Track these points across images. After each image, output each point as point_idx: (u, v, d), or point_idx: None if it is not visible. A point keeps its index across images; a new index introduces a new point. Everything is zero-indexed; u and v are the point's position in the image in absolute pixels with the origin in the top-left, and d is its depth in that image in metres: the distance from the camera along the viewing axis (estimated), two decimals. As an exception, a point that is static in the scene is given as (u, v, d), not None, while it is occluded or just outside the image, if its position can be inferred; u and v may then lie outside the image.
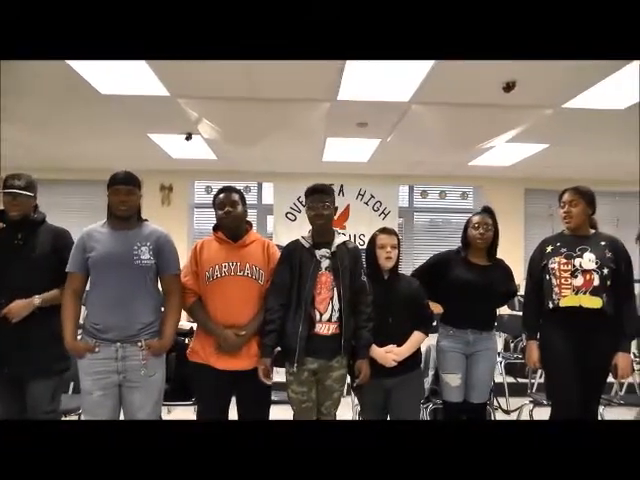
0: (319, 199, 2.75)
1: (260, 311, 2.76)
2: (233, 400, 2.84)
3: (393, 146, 6.16)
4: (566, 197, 2.99)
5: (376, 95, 4.40)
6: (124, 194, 2.63)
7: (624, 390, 4.81)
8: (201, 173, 8.03)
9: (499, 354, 5.56)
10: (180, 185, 8.07)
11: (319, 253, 2.75)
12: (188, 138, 5.81)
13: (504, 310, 6.53)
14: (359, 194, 8.07)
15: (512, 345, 6.13)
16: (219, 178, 7.49)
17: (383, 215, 8.06)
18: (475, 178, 8.15)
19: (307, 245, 2.78)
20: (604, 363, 2.86)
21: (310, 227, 2.83)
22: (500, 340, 6.10)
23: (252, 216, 8.32)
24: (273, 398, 2.88)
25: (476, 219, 3.13)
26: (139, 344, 2.60)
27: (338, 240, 2.81)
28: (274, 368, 2.77)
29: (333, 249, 2.77)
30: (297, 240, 2.83)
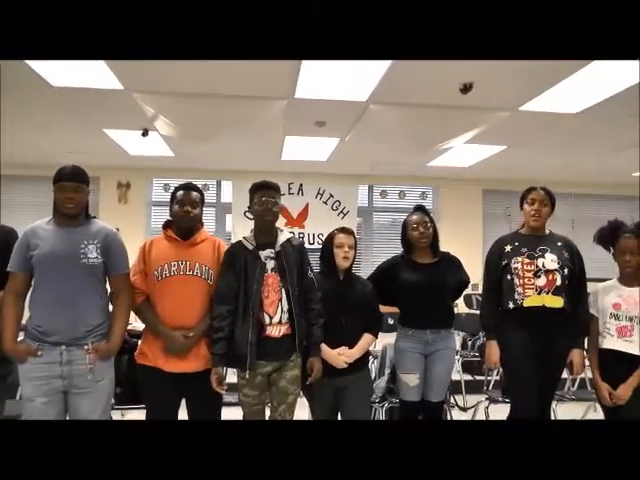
0: (268, 195, 2.70)
1: (209, 312, 2.69)
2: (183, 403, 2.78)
3: (352, 145, 6.16)
4: (537, 196, 3.01)
5: (334, 94, 4.37)
6: (71, 191, 2.51)
7: (576, 386, 4.93)
8: (159, 171, 7.87)
9: (457, 352, 5.63)
10: (138, 183, 7.89)
11: (264, 254, 2.70)
12: (144, 134, 5.69)
13: (462, 309, 6.63)
14: (318, 193, 8.05)
15: (470, 343, 6.21)
16: (178, 176, 7.34)
17: (342, 214, 8.05)
18: (434, 179, 8.23)
19: (250, 247, 2.71)
20: (562, 361, 2.92)
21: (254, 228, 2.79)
22: (458, 338, 6.17)
23: (210, 215, 8.24)
24: (224, 400, 2.82)
25: (414, 219, 3.14)
26: (85, 347, 2.48)
27: (282, 238, 2.77)
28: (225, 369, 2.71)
29: (277, 248, 2.72)
30: (239, 242, 2.77)
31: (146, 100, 4.67)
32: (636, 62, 3.59)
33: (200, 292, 2.69)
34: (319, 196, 8.07)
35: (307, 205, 8.01)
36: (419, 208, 3.22)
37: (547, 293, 2.87)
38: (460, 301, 6.57)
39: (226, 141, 6.09)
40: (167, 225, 2.80)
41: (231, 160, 7.20)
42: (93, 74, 4.00)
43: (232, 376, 2.85)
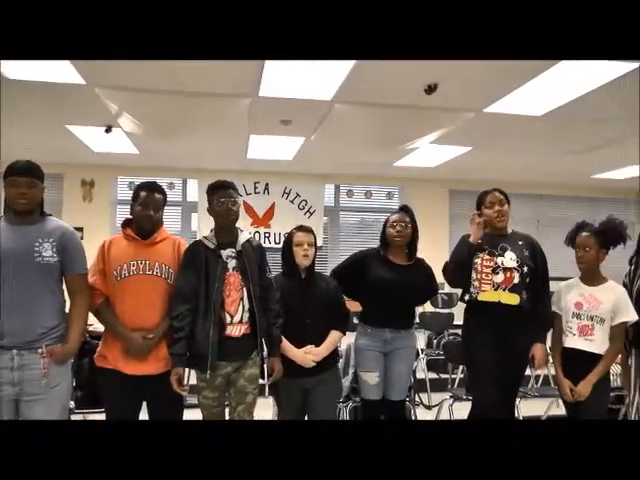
0: (228, 194, 2.67)
1: (169, 313, 2.64)
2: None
3: (318, 145, 6.15)
4: (494, 198, 3.06)
5: (299, 93, 4.35)
6: (24, 186, 2.39)
7: (540, 382, 5.02)
8: (124, 168, 7.73)
9: (422, 351, 5.67)
10: (102, 180, 7.75)
11: (225, 253, 2.67)
12: (108, 131, 5.58)
13: (428, 307, 6.67)
14: (284, 192, 8.02)
15: (435, 342, 6.26)
16: (143, 174, 7.19)
17: (309, 214, 8.03)
18: (401, 179, 8.28)
19: (212, 246, 2.68)
20: (522, 358, 2.95)
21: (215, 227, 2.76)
22: (423, 337, 6.22)
23: (176, 214, 8.14)
24: (187, 402, 2.77)
25: (394, 217, 3.15)
26: (39, 351, 2.37)
27: (242, 238, 2.74)
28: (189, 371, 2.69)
29: (238, 248, 2.69)
30: (199, 241, 2.73)
31: (109, 96, 4.58)
32: (597, 64, 3.67)
33: (160, 292, 2.64)
34: (285, 195, 8.04)
35: (273, 204, 7.98)
36: (403, 208, 3.24)
37: (504, 290, 2.90)
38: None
39: (192, 139, 6.03)
40: (126, 224, 2.74)
41: (197, 158, 7.12)
42: (53, 68, 3.87)
43: (193, 378, 2.81)
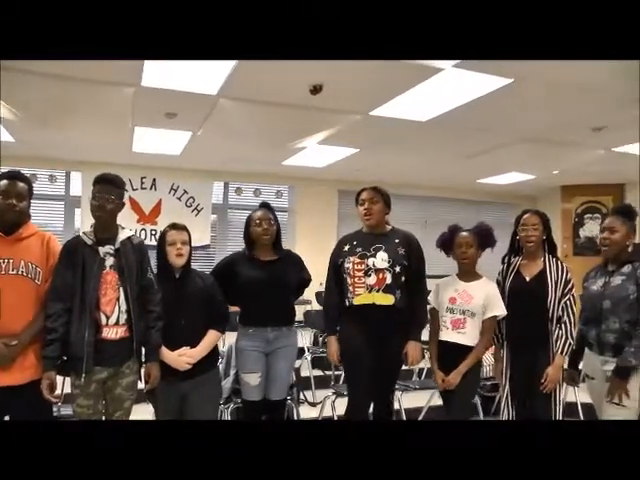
0: (105, 190, 2.54)
1: (38, 316, 2.46)
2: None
3: (205, 140, 6.04)
4: (366, 195, 3.07)
5: (183, 85, 4.22)
6: None
7: (424, 375, 5.21)
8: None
9: (308, 349, 5.72)
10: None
11: (103, 250, 2.53)
12: (-24, 116, 5.12)
13: (315, 305, 6.76)
14: (172, 189, 7.83)
15: (320, 339, 6.32)
16: (22, 164, 6.59)
17: (196, 211, 7.89)
18: (291, 178, 8.33)
19: (89, 242, 2.54)
20: (397, 356, 3.01)
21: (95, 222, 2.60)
22: (309, 335, 6.28)
23: (59, 209, 7.71)
24: (58, 414, 2.60)
25: (258, 215, 3.12)
26: None
27: (122, 235, 2.61)
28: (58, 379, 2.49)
29: (117, 245, 2.57)
30: (78, 236, 2.59)
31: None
32: (477, 76, 3.88)
33: (26, 294, 2.45)
34: (173, 192, 7.85)
35: (160, 201, 7.77)
36: (264, 205, 3.21)
37: (377, 291, 2.94)
38: (312, 298, 6.71)
39: (74, 129, 5.69)
40: None
41: (81, 150, 6.74)
42: None
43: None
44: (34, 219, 2.67)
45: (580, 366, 3.09)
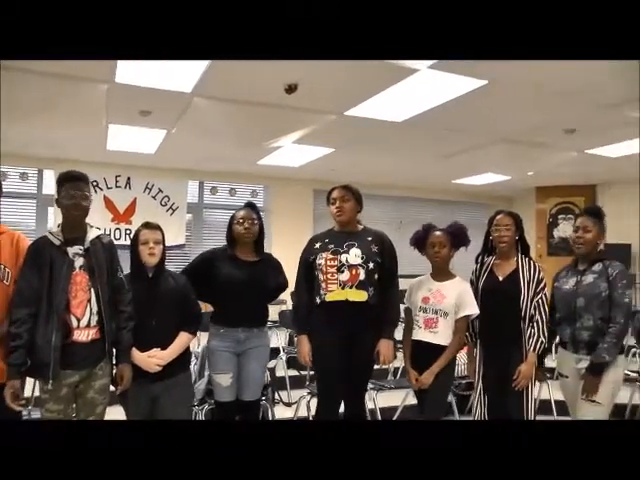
0: (78, 187, 2.46)
1: (5, 319, 2.38)
2: None
3: (180, 138, 6.00)
4: (337, 194, 3.06)
5: (157, 82, 4.18)
6: None
7: (399, 374, 5.21)
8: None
9: (283, 349, 5.69)
10: None
11: (72, 251, 2.45)
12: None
13: (289, 305, 6.71)
14: (147, 187, 7.75)
15: (295, 339, 6.29)
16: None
17: (171, 210, 7.82)
18: (266, 177, 8.31)
19: (57, 242, 2.45)
20: (369, 353, 2.99)
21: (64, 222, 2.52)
22: (284, 335, 6.25)
23: (30, 207, 7.56)
24: (28, 418, 2.53)
25: (241, 214, 3.12)
26: None
27: (92, 235, 2.54)
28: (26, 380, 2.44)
29: (87, 245, 2.49)
30: (44, 237, 2.49)
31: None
32: (451, 77, 3.91)
33: None
34: (147, 190, 7.77)
35: (135, 200, 7.68)
36: (249, 205, 3.20)
37: (350, 287, 2.92)
38: (287, 298, 6.66)
39: (47, 125, 5.59)
40: None
41: (54, 147, 6.62)
42: None
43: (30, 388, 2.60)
44: (4, 218, 2.61)
45: (551, 364, 3.12)
